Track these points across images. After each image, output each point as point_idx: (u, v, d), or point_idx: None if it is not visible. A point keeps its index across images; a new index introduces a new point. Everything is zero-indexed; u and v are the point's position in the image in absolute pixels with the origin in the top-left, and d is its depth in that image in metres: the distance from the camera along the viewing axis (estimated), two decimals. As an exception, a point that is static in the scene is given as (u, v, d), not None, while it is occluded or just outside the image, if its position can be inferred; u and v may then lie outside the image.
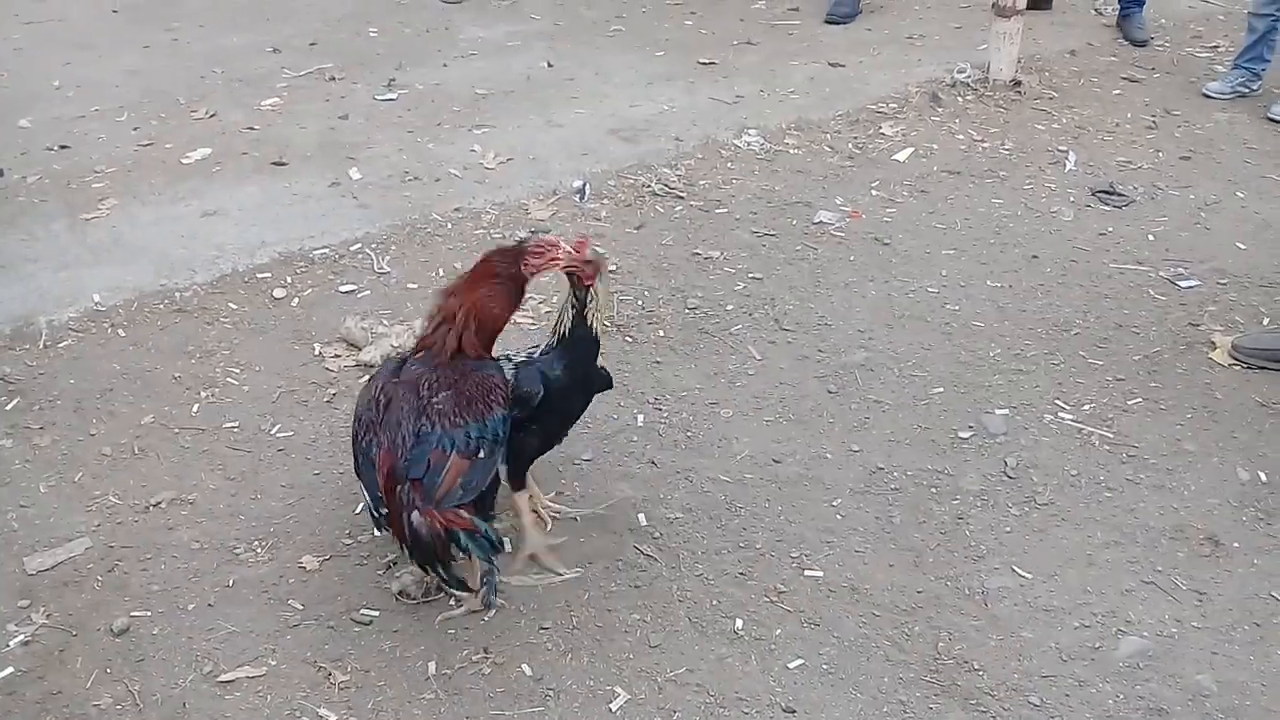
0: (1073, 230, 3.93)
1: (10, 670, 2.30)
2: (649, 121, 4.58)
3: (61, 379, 3.10)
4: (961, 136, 4.54)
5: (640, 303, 3.46)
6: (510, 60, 5.11)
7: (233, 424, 2.95)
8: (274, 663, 2.33)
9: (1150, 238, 3.89)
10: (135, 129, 4.41)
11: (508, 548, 2.38)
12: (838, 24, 5.57)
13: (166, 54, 5.09)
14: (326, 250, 3.68)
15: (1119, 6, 5.50)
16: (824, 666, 2.34)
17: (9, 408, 2.99)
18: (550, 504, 2.68)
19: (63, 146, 4.27)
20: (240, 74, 4.89)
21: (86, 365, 3.15)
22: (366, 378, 2.69)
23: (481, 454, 2.25)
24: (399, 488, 2.20)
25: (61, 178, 4.07)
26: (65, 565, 2.54)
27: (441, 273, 3.58)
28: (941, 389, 3.14)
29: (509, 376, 2.37)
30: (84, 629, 2.39)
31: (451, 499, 2.20)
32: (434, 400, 2.25)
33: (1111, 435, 2.98)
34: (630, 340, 3.30)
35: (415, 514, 2.18)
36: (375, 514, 2.27)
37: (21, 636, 2.37)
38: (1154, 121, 4.68)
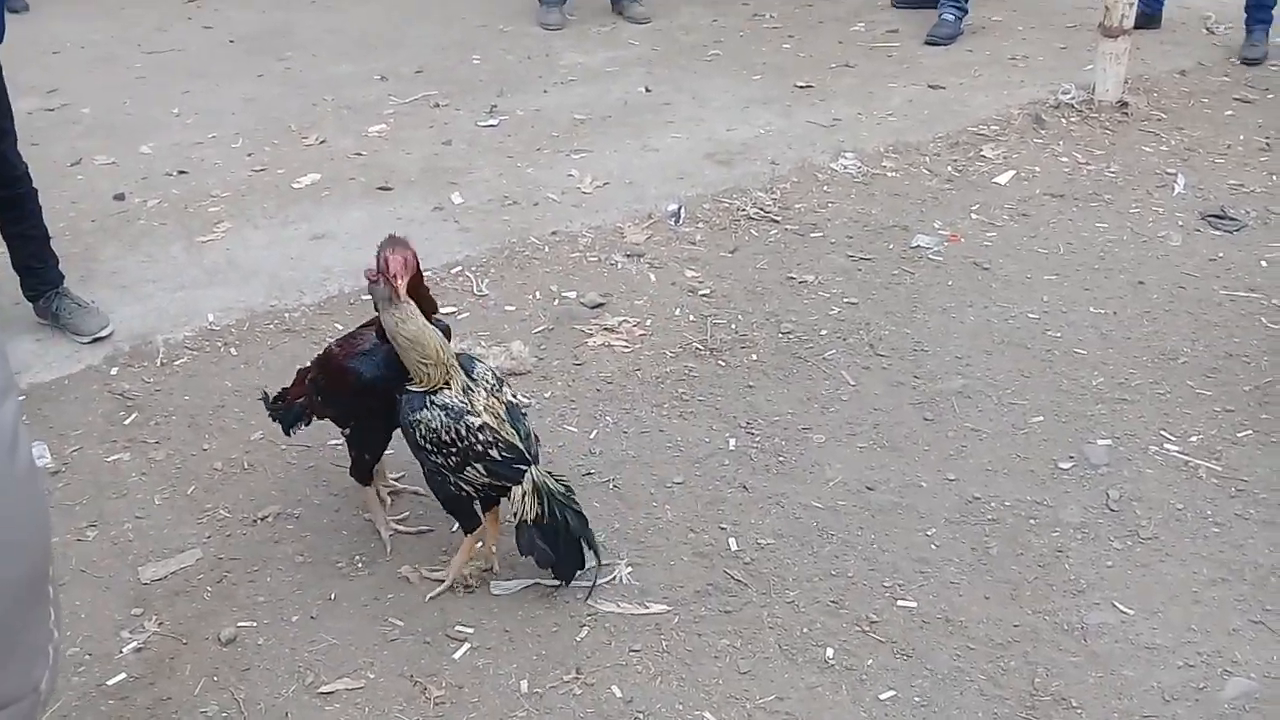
0: (1181, 255, 3.82)
1: (123, 676, 2.41)
2: (745, 145, 4.60)
3: (177, 395, 3.23)
4: (1065, 159, 4.46)
5: (733, 326, 3.48)
6: (608, 85, 5.18)
7: (336, 441, 3.03)
8: (372, 675, 2.39)
9: (1263, 264, 3.76)
10: (249, 155, 4.59)
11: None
12: (938, 45, 5.52)
13: (279, 82, 5.29)
14: (428, 273, 3.73)
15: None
16: (916, 699, 2.32)
17: (127, 422, 3.13)
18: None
19: (181, 172, 4.46)
20: (349, 101, 5.05)
21: (200, 382, 3.29)
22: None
23: (319, 399, 2.65)
24: None
25: (180, 202, 4.24)
26: (177, 575, 2.65)
27: (539, 295, 3.64)
28: (1041, 418, 3.08)
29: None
30: (193, 637, 2.49)
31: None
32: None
33: (1220, 468, 2.89)
34: (723, 364, 3.31)
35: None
36: None
37: (135, 643, 2.48)
38: (1268, 143, 4.53)
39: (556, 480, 2.51)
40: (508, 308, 3.60)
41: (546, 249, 3.92)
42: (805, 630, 2.47)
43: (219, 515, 2.81)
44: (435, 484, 2.50)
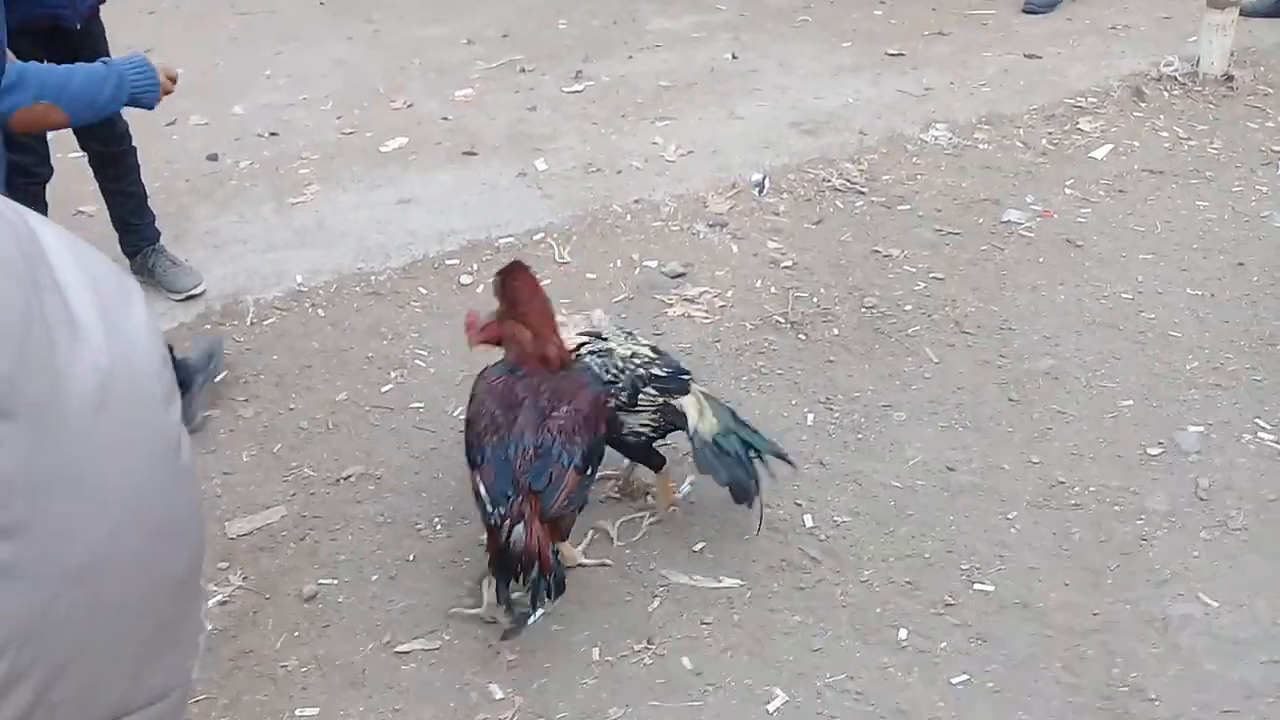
0: (1285, 237, 3.69)
1: (208, 627, 2.47)
2: (832, 114, 4.53)
3: (265, 354, 3.31)
4: (1165, 134, 4.31)
5: (815, 300, 3.44)
6: (694, 51, 5.14)
7: (419, 404, 3.08)
8: (447, 637, 2.43)
9: (1374, 247, 3.61)
10: (339, 117, 4.65)
11: (553, 604, 2.39)
12: (1036, 13, 5.37)
13: (368, 45, 5.34)
14: (511, 239, 3.79)
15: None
16: (990, 685, 2.29)
17: (217, 380, 3.21)
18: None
19: (272, 134, 4.53)
20: (436, 65, 5.08)
21: (288, 342, 3.36)
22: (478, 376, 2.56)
23: (589, 471, 2.40)
24: (512, 497, 2.29)
25: (270, 163, 4.32)
26: (262, 531, 2.72)
27: (620, 264, 3.64)
28: (1131, 402, 3.01)
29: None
30: (276, 593, 2.56)
31: (560, 512, 2.33)
32: (554, 414, 2.35)
33: (1318, 460, 2.80)
34: (803, 337, 3.28)
35: (519, 526, 2.26)
36: (489, 510, 2.31)
37: (220, 596, 2.56)
38: (1385, 120, 4.33)
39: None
40: (589, 275, 3.61)
41: (629, 217, 3.91)
42: (879, 610, 2.45)
43: (304, 474, 2.88)
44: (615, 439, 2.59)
